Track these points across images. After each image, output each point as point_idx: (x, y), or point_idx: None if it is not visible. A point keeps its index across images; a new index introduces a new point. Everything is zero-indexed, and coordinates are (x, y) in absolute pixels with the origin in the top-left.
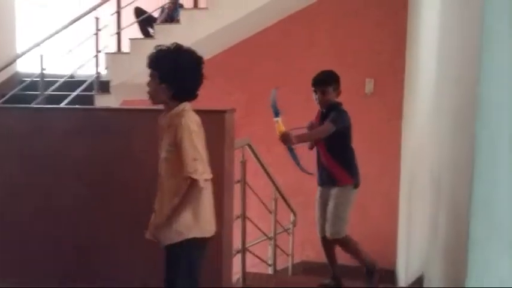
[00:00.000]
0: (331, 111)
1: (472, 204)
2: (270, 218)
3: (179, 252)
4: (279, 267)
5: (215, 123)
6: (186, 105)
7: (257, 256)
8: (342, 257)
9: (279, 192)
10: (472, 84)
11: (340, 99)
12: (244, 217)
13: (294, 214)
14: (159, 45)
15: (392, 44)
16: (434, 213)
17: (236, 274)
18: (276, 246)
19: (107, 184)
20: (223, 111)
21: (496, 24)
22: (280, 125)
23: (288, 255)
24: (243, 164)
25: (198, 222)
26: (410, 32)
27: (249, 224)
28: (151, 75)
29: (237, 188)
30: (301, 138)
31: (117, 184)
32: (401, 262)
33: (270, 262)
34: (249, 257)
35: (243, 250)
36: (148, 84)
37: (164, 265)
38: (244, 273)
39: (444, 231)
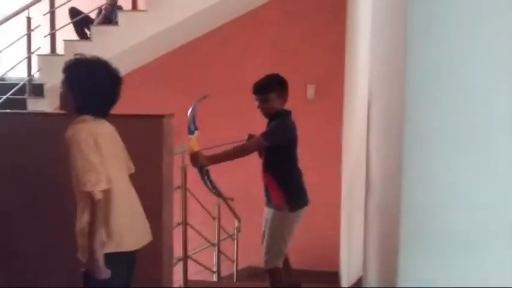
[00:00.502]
0: (273, 121)
1: (401, 205)
2: (214, 224)
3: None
4: (224, 273)
5: (153, 128)
6: (86, 117)
7: (200, 263)
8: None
9: (222, 197)
10: (399, 85)
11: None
12: (185, 224)
13: (238, 220)
14: (79, 54)
15: (332, 49)
16: (369, 215)
17: (178, 282)
18: (220, 252)
19: (39, 189)
20: (161, 116)
21: (419, 24)
22: (192, 143)
23: (232, 261)
24: (183, 169)
25: (111, 236)
26: (348, 37)
27: (192, 231)
28: (62, 83)
29: (178, 194)
30: (213, 159)
31: (50, 190)
32: (344, 264)
33: (214, 269)
34: (192, 264)
35: (185, 258)
36: (60, 91)
37: None
38: (186, 281)
39: (377, 233)
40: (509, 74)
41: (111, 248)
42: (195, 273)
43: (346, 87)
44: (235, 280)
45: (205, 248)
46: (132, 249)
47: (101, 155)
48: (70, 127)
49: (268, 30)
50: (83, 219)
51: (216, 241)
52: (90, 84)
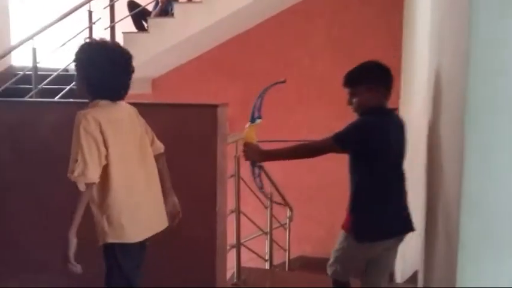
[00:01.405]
0: None
1: (462, 202)
2: (266, 213)
3: (104, 255)
4: (276, 262)
5: (208, 117)
6: (99, 102)
7: (252, 251)
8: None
9: (275, 187)
10: (463, 83)
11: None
12: (238, 211)
13: (291, 209)
14: (89, 38)
15: (389, 40)
16: (427, 211)
17: (231, 269)
18: (272, 241)
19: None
20: (216, 105)
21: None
22: (250, 132)
23: (284, 250)
24: (237, 158)
25: (112, 227)
26: (406, 28)
27: (245, 220)
28: (75, 68)
29: (232, 183)
30: (269, 155)
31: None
32: (399, 259)
33: (266, 257)
34: (245, 252)
35: (238, 245)
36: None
37: None
38: (239, 268)
39: (435, 229)
40: None
41: (113, 239)
42: (248, 260)
43: (402, 81)
44: (287, 269)
45: (257, 236)
46: (134, 241)
47: (100, 144)
48: (78, 112)
49: (322, 19)
50: (94, 202)
51: (268, 229)
52: (94, 65)
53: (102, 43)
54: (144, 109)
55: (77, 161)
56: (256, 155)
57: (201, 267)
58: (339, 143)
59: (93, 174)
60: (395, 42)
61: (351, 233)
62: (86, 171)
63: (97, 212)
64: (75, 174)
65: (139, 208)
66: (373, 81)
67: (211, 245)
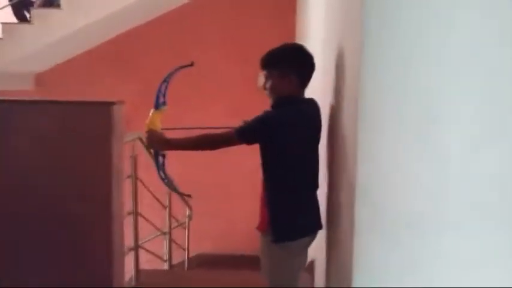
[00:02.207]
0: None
1: (356, 191)
2: (164, 213)
3: None
4: (175, 262)
5: (102, 115)
6: None
7: (151, 252)
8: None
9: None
10: (356, 75)
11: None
12: (136, 213)
13: (190, 208)
14: None
15: (284, 38)
16: (327, 201)
17: (129, 273)
18: (171, 241)
19: None
20: (111, 103)
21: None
22: (154, 118)
23: (184, 249)
24: (134, 158)
25: None
26: (299, 27)
27: (143, 221)
28: None
29: (128, 183)
30: (172, 144)
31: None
32: None
33: (165, 258)
34: (143, 254)
35: (136, 247)
36: None
37: None
38: (138, 271)
39: (333, 219)
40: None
41: None
42: (145, 262)
43: None
44: (186, 268)
45: (156, 237)
46: None
47: None
48: None
49: (216, 15)
50: None
51: (167, 229)
52: None
53: None
54: (29, 107)
55: None
56: (160, 144)
57: (98, 271)
58: (241, 136)
59: None
60: (290, 34)
61: (266, 233)
62: None
63: None
64: None
65: None
66: (290, 66)
67: (107, 248)
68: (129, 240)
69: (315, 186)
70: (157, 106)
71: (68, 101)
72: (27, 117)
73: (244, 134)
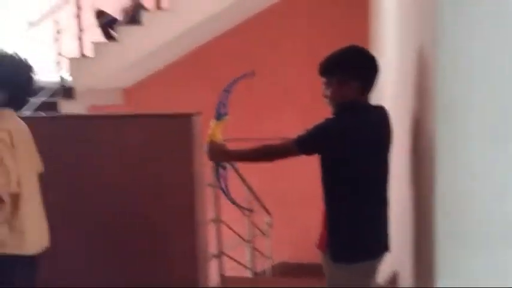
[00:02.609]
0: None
1: (436, 199)
2: (246, 220)
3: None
4: (258, 269)
5: (183, 126)
6: (5, 113)
7: (234, 259)
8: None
9: (253, 194)
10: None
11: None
12: (218, 220)
13: (269, 215)
14: None
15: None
16: (401, 210)
17: (214, 280)
18: (253, 249)
19: (71, 190)
20: (190, 115)
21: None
22: (215, 130)
23: (266, 257)
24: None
25: (13, 237)
26: (373, 30)
27: (224, 229)
28: None
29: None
30: (233, 155)
31: (80, 190)
32: None
33: (248, 265)
34: (226, 261)
35: (220, 254)
36: None
37: None
38: (222, 277)
39: (411, 228)
40: None
41: (11, 250)
42: (229, 269)
43: None
44: (270, 276)
45: (238, 245)
46: (32, 253)
47: (14, 154)
48: None
49: (295, 22)
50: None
51: (248, 237)
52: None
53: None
54: (117, 121)
55: None
56: (220, 155)
57: (183, 277)
58: (300, 147)
59: (15, 185)
60: (363, 40)
61: (326, 252)
62: (11, 180)
63: None
64: None
65: (41, 221)
66: (349, 72)
67: (192, 255)
68: (211, 248)
69: (382, 201)
70: (218, 117)
71: (150, 114)
72: (115, 130)
73: (303, 144)
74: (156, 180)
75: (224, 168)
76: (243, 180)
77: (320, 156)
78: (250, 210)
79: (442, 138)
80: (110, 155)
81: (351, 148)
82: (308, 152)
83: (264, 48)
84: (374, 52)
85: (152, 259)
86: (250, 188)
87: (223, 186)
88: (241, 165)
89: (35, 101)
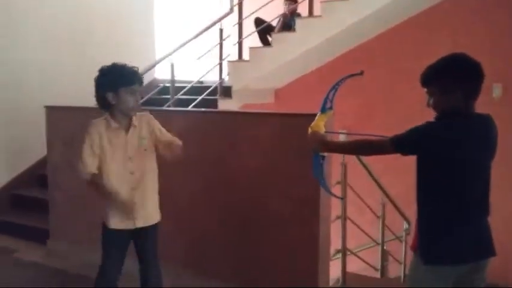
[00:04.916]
0: None
1: None
2: (379, 224)
3: None
4: (392, 276)
5: (309, 124)
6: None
7: (361, 258)
8: None
9: (387, 196)
10: None
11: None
12: (344, 217)
13: (408, 222)
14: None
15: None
16: None
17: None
18: (385, 252)
19: (216, 179)
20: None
21: None
22: (319, 121)
23: (400, 263)
24: (344, 165)
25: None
26: None
27: (357, 229)
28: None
29: (338, 189)
30: (330, 146)
31: (224, 180)
32: None
33: (377, 267)
34: (358, 262)
35: (344, 250)
36: None
37: None
38: (345, 273)
39: None
40: None
41: (108, 224)
42: (359, 270)
43: None
44: (401, 282)
45: (370, 247)
46: (115, 227)
47: (95, 148)
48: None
49: (447, 28)
50: None
51: (380, 240)
52: (97, 88)
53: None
54: (256, 118)
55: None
56: (319, 144)
57: (304, 269)
58: (395, 144)
59: (87, 171)
60: None
61: (417, 253)
62: (83, 167)
63: None
64: (78, 170)
65: (117, 203)
66: (449, 81)
67: (314, 247)
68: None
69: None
70: (323, 110)
71: (283, 113)
72: (250, 125)
73: (397, 143)
74: (283, 173)
75: (323, 158)
76: (379, 185)
77: (416, 158)
78: (341, 198)
79: None
80: (244, 147)
81: (445, 151)
82: (401, 150)
83: (412, 52)
84: None
85: (276, 250)
86: (384, 190)
87: (318, 174)
88: (383, 171)
89: (198, 98)
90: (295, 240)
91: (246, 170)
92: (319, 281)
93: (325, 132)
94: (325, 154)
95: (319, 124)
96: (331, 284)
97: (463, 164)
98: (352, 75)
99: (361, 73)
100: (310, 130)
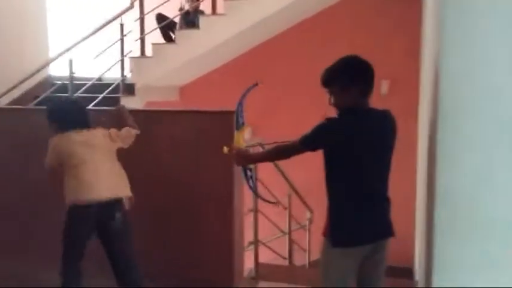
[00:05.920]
0: None
1: (436, 194)
2: (286, 214)
3: None
4: (297, 263)
5: (225, 122)
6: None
7: (271, 249)
8: None
9: (293, 188)
10: (435, 86)
11: None
12: (256, 210)
13: (310, 211)
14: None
15: (407, 44)
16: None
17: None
18: (291, 241)
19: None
20: (232, 112)
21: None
22: (237, 138)
23: (304, 250)
24: None
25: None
26: (424, 31)
27: (265, 221)
28: None
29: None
30: (251, 159)
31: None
32: (417, 260)
33: (285, 256)
34: (267, 253)
35: (256, 242)
36: None
37: None
38: (257, 264)
39: (423, 222)
40: None
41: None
42: (269, 261)
43: (421, 83)
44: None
45: (278, 237)
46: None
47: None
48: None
49: (343, 27)
50: None
51: (287, 230)
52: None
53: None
54: (170, 116)
55: None
56: (243, 160)
57: (220, 262)
58: (303, 144)
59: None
60: (415, 46)
61: (327, 238)
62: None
63: None
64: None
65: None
66: (347, 80)
67: (229, 241)
68: (249, 237)
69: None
70: (238, 127)
71: (196, 110)
72: (165, 124)
73: (304, 142)
74: (200, 171)
75: (250, 169)
76: (286, 178)
77: (323, 152)
78: (274, 203)
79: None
80: (161, 146)
81: (344, 144)
82: (309, 147)
83: (312, 51)
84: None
85: (192, 243)
86: (292, 185)
87: (251, 185)
88: (287, 164)
89: (99, 96)
90: (211, 233)
91: (161, 166)
92: (234, 272)
93: (246, 147)
94: (252, 166)
95: (239, 141)
96: (244, 274)
97: (361, 155)
98: (250, 88)
99: (256, 84)
100: (225, 149)
